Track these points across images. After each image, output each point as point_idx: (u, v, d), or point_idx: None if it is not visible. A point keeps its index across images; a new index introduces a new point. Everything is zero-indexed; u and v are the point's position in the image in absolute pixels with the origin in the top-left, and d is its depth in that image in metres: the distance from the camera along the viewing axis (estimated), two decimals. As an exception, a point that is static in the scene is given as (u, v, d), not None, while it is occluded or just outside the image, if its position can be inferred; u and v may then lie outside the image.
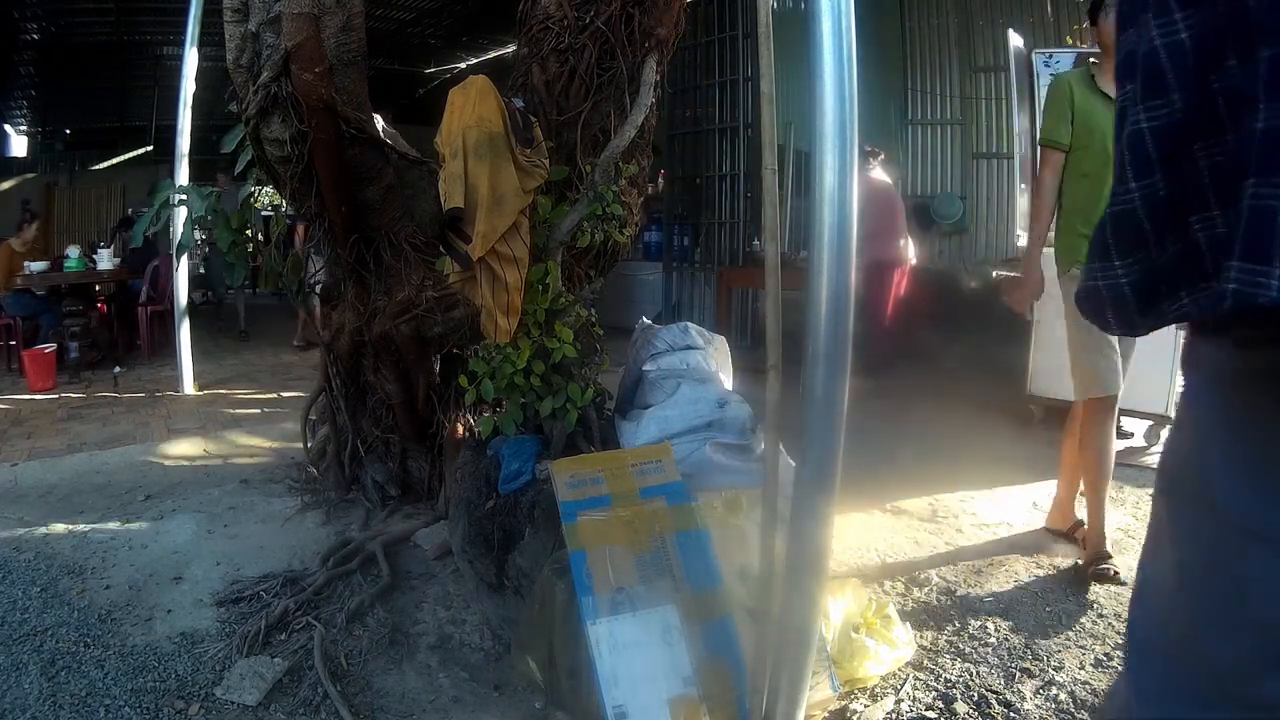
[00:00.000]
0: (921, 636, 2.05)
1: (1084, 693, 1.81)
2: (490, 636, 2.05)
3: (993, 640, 2.03)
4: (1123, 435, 3.79)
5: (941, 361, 4.70)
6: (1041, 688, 1.83)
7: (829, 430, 1.27)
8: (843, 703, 1.74)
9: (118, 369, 5.10)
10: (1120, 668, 1.87)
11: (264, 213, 3.42)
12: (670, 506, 1.89)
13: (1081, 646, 2.00)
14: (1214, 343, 0.63)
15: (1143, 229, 0.61)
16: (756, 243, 5.77)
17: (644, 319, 2.64)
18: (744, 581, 1.74)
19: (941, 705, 1.77)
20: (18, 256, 5.50)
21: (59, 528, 2.67)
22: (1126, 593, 2.28)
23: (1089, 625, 2.10)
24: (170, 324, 5.17)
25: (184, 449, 3.61)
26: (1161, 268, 0.61)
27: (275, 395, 4.73)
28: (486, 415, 2.38)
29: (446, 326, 2.50)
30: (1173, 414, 3.60)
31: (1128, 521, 2.81)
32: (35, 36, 8.42)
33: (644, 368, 2.41)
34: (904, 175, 6.79)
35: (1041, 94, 3.87)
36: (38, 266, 5.46)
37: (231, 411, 4.29)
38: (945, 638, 2.05)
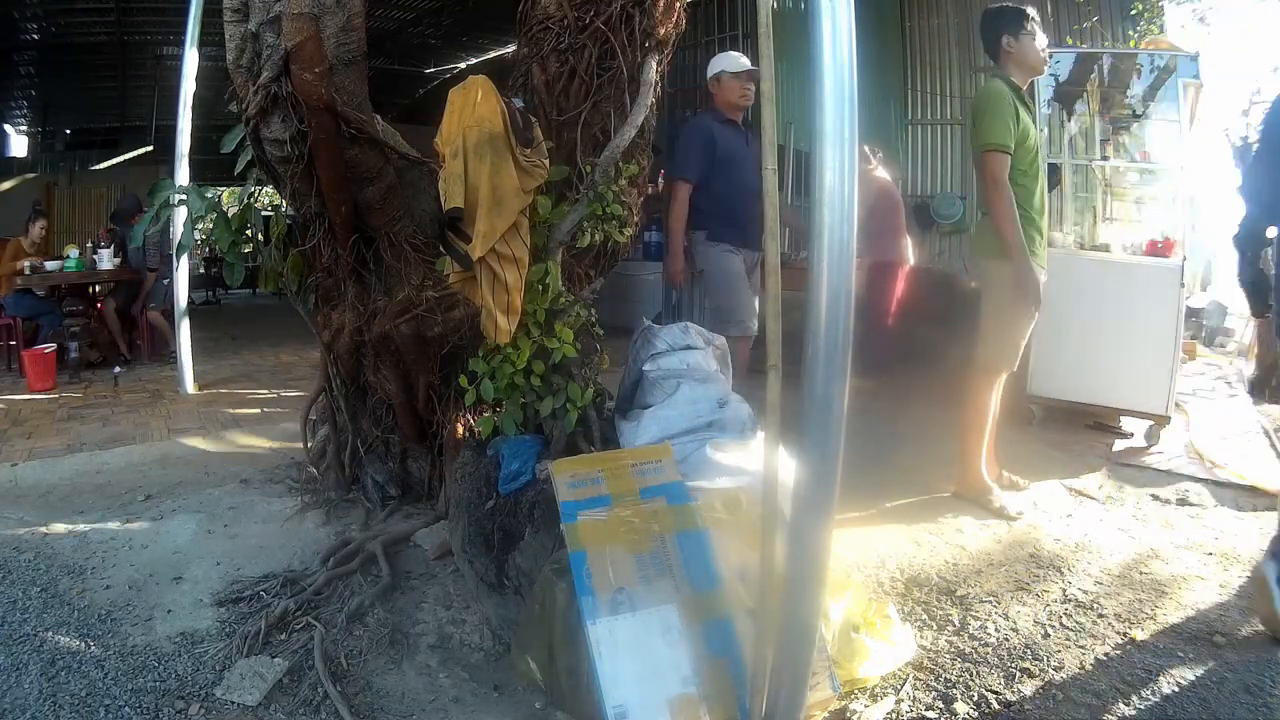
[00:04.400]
0: (921, 636, 2.05)
1: (1084, 692, 1.81)
2: (490, 636, 2.05)
3: (993, 640, 2.03)
4: (1123, 435, 3.79)
5: (941, 361, 4.69)
6: (1041, 688, 1.83)
7: (829, 430, 1.27)
8: (843, 703, 1.74)
9: (118, 369, 5.10)
10: (1119, 668, 1.88)
11: (264, 213, 3.42)
12: (670, 506, 1.89)
13: (1081, 646, 2.00)
14: None
15: None
16: (756, 243, 5.77)
17: (644, 319, 2.64)
18: (744, 581, 1.74)
19: (941, 705, 1.77)
20: (24, 255, 5.52)
21: (59, 528, 2.67)
22: (1127, 593, 2.28)
23: (1089, 625, 2.10)
24: (170, 324, 5.18)
25: (184, 449, 3.61)
26: None
27: (275, 395, 4.74)
28: (486, 415, 2.37)
29: (446, 326, 2.49)
30: (1172, 414, 3.61)
31: (1128, 521, 2.81)
32: (35, 36, 8.41)
33: (644, 368, 2.41)
34: (904, 175, 6.78)
35: (1042, 95, 3.87)
36: (51, 265, 5.47)
37: (231, 411, 4.29)
38: (945, 638, 2.05)
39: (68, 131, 12.16)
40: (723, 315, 3.34)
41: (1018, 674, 1.89)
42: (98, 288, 6.00)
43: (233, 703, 1.77)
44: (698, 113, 3.34)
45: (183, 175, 4.49)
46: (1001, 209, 2.65)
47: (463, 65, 10.42)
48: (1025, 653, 1.98)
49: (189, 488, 3.10)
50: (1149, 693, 1.80)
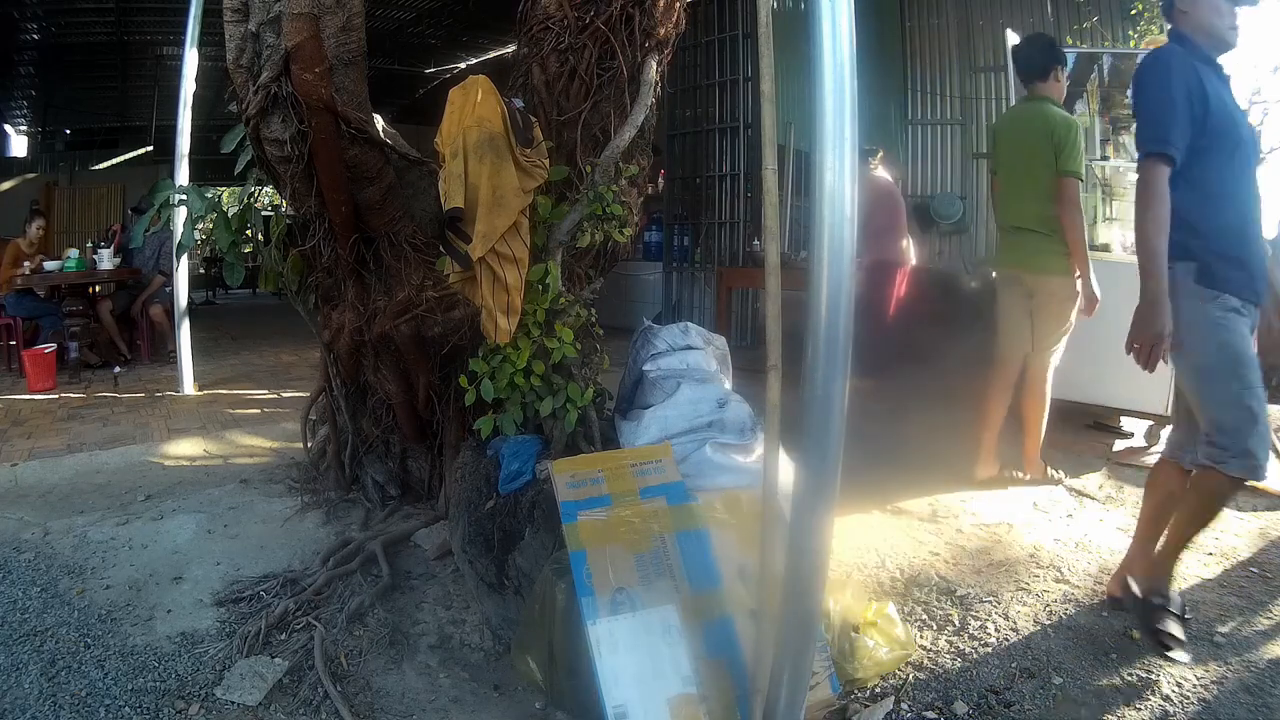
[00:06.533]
0: (921, 636, 2.05)
1: (1084, 693, 1.81)
2: (490, 636, 2.05)
3: (993, 640, 2.03)
4: (1123, 435, 3.79)
5: (941, 362, 4.69)
6: (1041, 688, 1.83)
7: (829, 430, 1.27)
8: (843, 703, 1.74)
9: (117, 369, 5.10)
10: (1119, 668, 1.88)
11: (264, 213, 3.43)
12: (670, 506, 1.89)
13: (1081, 646, 2.00)
14: None
15: None
16: (756, 243, 5.77)
17: (644, 319, 2.64)
18: (744, 581, 1.74)
19: (941, 705, 1.77)
20: (24, 255, 5.51)
21: (59, 528, 2.67)
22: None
23: (1089, 625, 2.10)
24: (170, 322, 5.18)
25: (184, 449, 3.61)
26: None
27: (275, 395, 4.73)
28: (486, 415, 2.37)
29: (446, 326, 2.50)
30: (1172, 414, 3.61)
31: (1128, 521, 2.81)
32: (35, 36, 8.41)
33: (644, 368, 2.41)
34: (904, 175, 6.78)
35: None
36: (52, 265, 5.46)
37: (231, 411, 4.29)
38: (945, 638, 2.05)
39: (68, 131, 12.16)
40: (1223, 429, 1.93)
41: (1018, 674, 1.89)
42: (97, 288, 6.00)
43: (233, 703, 1.77)
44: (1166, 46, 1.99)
45: (183, 175, 4.48)
46: (1080, 230, 2.89)
47: (463, 65, 10.41)
48: (1025, 653, 1.98)
49: (189, 488, 3.10)
50: (1149, 693, 1.80)
